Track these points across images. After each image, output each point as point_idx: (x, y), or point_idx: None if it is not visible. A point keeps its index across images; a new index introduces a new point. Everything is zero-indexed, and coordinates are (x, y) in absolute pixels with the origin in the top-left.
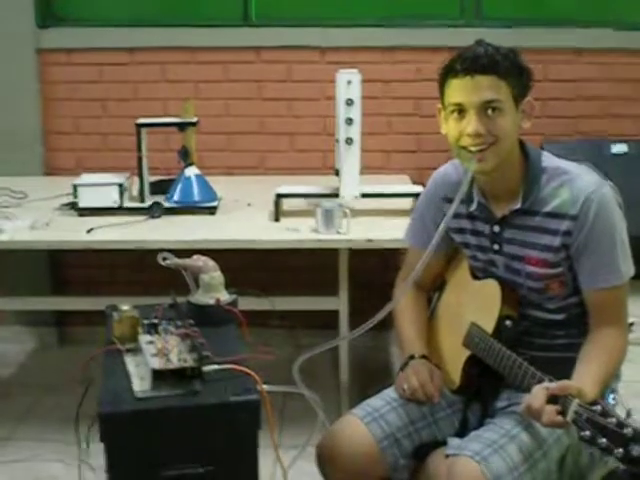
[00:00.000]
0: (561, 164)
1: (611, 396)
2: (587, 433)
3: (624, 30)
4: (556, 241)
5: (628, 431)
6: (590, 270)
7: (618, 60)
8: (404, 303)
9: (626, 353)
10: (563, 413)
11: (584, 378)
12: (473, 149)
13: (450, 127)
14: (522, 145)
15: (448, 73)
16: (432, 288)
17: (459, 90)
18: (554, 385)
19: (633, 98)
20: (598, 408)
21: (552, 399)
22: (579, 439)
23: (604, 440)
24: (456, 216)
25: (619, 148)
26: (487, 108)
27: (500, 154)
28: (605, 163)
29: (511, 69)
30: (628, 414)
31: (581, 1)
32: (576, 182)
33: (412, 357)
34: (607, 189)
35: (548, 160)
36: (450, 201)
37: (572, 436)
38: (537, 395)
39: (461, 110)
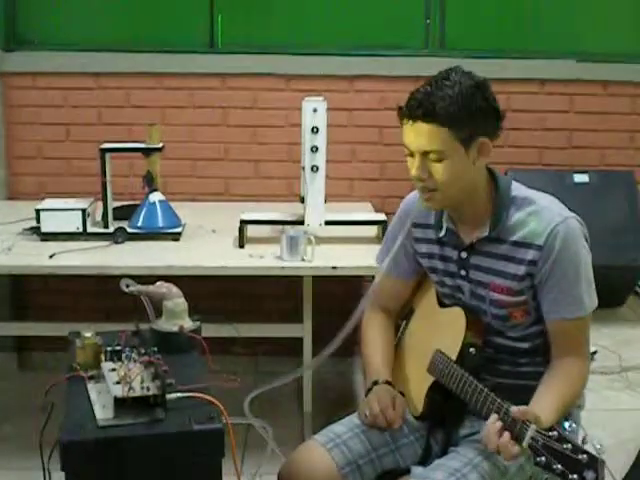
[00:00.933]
0: (529, 194)
1: (566, 424)
2: (543, 459)
3: (587, 62)
4: (521, 270)
5: (583, 457)
6: (553, 300)
7: (581, 91)
8: (371, 330)
9: (587, 382)
10: (519, 439)
11: (542, 405)
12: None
13: (408, 164)
14: (492, 174)
15: (402, 115)
16: (400, 315)
17: (406, 134)
18: (515, 409)
19: (595, 129)
20: (554, 434)
21: (509, 425)
22: (535, 464)
23: (559, 466)
24: (426, 241)
25: (581, 178)
26: (429, 154)
27: (445, 197)
28: (567, 193)
29: (457, 114)
30: (583, 440)
31: (544, 33)
32: (543, 213)
33: (376, 383)
34: (574, 221)
35: (517, 190)
36: (419, 226)
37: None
38: (490, 437)
39: (411, 152)
